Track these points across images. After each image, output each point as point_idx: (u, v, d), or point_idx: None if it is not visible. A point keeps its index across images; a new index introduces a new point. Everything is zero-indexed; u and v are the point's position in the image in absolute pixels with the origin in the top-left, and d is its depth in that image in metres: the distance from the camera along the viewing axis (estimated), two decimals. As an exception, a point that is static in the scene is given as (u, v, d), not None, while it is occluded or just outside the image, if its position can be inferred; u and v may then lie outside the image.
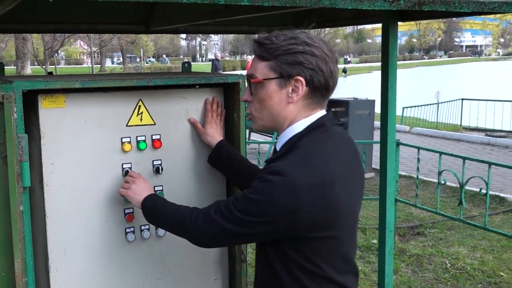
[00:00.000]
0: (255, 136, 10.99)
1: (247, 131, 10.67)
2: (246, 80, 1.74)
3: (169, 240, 2.26)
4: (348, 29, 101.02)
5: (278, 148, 1.76)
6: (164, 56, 67.40)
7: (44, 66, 32.29)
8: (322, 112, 1.74)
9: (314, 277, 1.67)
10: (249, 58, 33.88)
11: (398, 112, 13.38)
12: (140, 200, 1.95)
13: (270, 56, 1.65)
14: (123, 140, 2.13)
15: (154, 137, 2.20)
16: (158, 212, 1.91)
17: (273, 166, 1.63)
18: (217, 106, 2.30)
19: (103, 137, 2.10)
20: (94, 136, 2.08)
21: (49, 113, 1.98)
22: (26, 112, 1.90)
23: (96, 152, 2.09)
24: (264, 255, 1.76)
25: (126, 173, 2.13)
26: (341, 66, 67.24)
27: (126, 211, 2.17)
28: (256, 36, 1.73)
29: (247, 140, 9.48)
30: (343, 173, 1.67)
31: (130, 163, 2.15)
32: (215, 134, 2.25)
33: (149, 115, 2.20)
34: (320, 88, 1.66)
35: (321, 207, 1.60)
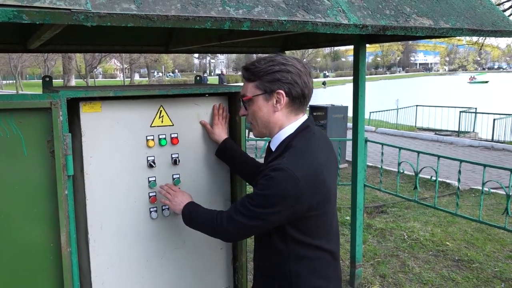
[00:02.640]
0: (253, 135, 10.98)
1: (247, 131, 10.67)
2: (240, 99, 1.78)
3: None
4: (326, 50, 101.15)
5: (272, 147, 1.76)
6: (177, 71, 68.28)
7: (85, 80, 32.22)
8: (305, 117, 1.76)
9: (307, 246, 1.69)
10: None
11: (366, 115, 13.38)
12: (180, 209, 1.96)
13: (255, 77, 1.69)
14: (148, 138, 2.11)
15: (172, 135, 2.18)
16: (191, 216, 1.91)
17: (275, 164, 1.62)
18: (223, 111, 2.29)
19: (131, 136, 2.08)
20: (125, 135, 2.06)
21: (88, 116, 1.96)
22: (70, 116, 1.88)
23: (126, 148, 2.07)
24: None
25: (150, 165, 2.11)
26: (322, 79, 67.37)
27: (150, 194, 2.15)
28: (245, 63, 1.75)
29: (246, 138, 9.49)
30: (326, 163, 1.70)
31: (154, 156, 2.13)
32: (221, 133, 2.24)
33: (169, 118, 2.18)
34: (298, 97, 1.69)
35: (317, 192, 1.62)
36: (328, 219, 1.74)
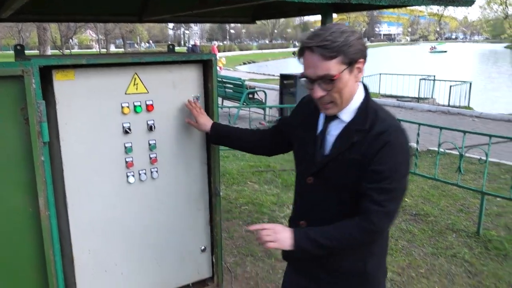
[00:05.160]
0: (226, 103, 10.88)
1: (220, 98, 10.57)
2: (316, 81, 1.46)
3: (162, 181, 2.23)
4: (296, 21, 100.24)
5: (343, 117, 1.53)
6: (151, 42, 67.08)
7: (61, 50, 30.99)
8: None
9: None
10: (214, 43, 33.12)
11: (333, 83, 13.41)
12: (290, 244, 1.50)
13: (337, 53, 1.41)
14: (123, 105, 2.06)
15: (147, 102, 2.13)
16: (320, 243, 1.48)
17: (382, 130, 1.44)
18: (195, 103, 2.20)
19: (106, 103, 2.02)
20: (99, 102, 1.99)
21: (62, 84, 1.88)
22: (44, 84, 1.81)
23: (101, 114, 2.01)
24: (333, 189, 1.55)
25: (125, 131, 2.06)
26: (292, 49, 66.97)
27: (127, 159, 2.11)
28: (303, 43, 1.46)
29: (220, 105, 9.41)
30: None
31: (129, 122, 2.08)
32: (206, 122, 2.10)
33: (143, 85, 2.12)
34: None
35: None
36: None
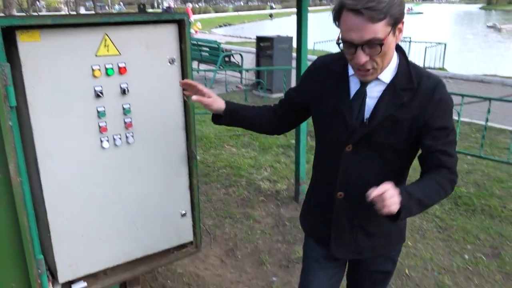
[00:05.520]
0: (201, 66, 10.68)
1: (196, 62, 10.37)
2: (360, 46, 1.33)
3: (138, 146, 2.20)
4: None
5: (383, 78, 1.44)
6: (122, 3, 65.82)
7: (27, 13, 29.60)
8: None
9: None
10: (189, 5, 32.15)
11: (310, 46, 13.33)
12: (397, 208, 1.26)
13: (384, 15, 1.30)
14: (93, 67, 1.98)
15: (120, 65, 2.05)
16: (424, 203, 1.35)
17: (435, 89, 1.41)
18: (190, 82, 1.78)
19: (75, 65, 1.93)
20: (68, 65, 1.91)
21: (27, 46, 1.78)
22: (7, 46, 1.71)
23: (70, 78, 1.93)
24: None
25: (97, 95, 2.00)
26: (268, 11, 65.61)
27: (100, 124, 2.05)
28: (345, 4, 1.31)
29: (196, 69, 9.25)
30: None
31: (101, 86, 2.01)
32: (220, 105, 1.74)
33: (115, 47, 2.03)
34: None
35: None
36: None
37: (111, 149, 2.12)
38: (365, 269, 1.75)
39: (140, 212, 2.29)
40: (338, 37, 1.36)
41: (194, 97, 1.73)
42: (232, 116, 1.75)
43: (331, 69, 1.55)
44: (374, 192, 1.23)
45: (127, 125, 2.13)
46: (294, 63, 5.27)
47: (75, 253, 2.15)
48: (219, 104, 1.73)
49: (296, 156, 3.96)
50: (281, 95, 7.53)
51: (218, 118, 1.78)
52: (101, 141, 2.08)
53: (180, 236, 2.48)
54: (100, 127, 2.06)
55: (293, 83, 7.24)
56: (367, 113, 1.46)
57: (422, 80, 1.42)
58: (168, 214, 2.40)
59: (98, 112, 2.03)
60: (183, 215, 2.44)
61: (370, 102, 1.46)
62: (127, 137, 2.15)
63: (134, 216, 2.28)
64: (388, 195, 1.22)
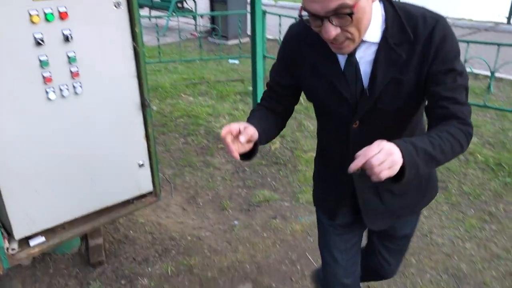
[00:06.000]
0: (153, 13, 10.18)
1: (147, 8, 9.87)
2: (326, 18, 1.09)
3: (88, 97, 2.11)
4: None
5: (371, 39, 1.20)
6: None
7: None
8: None
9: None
10: None
11: (265, -11, 12.95)
12: (401, 163, 1.03)
13: None
14: (31, 12, 1.83)
15: (60, 9, 1.91)
16: (433, 156, 1.10)
17: (434, 30, 1.15)
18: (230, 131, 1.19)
19: (9, 10, 1.78)
20: (2, 10, 1.76)
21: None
22: None
23: (6, 24, 1.78)
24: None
25: (38, 43, 1.86)
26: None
27: (44, 74, 1.94)
28: None
29: (148, 15, 8.82)
30: None
31: (41, 33, 1.88)
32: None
33: (54, -10, 1.88)
34: None
35: None
36: None
37: (59, 101, 2.03)
38: (388, 233, 1.65)
39: (94, 164, 2.24)
40: (301, 8, 1.13)
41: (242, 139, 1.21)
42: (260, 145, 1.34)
43: (309, 39, 1.28)
44: (356, 162, 1.00)
45: (74, 75, 2.03)
46: (249, 8, 5.13)
47: (29, 208, 2.10)
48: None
49: (253, 103, 3.95)
50: (236, 41, 7.36)
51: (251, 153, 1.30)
52: (47, 92, 1.98)
53: (139, 187, 2.46)
54: (44, 77, 1.95)
55: (249, 29, 7.07)
56: (365, 81, 1.24)
57: (417, 26, 1.17)
58: (125, 165, 2.36)
59: (40, 61, 1.92)
60: (141, 165, 2.41)
61: (367, 67, 1.23)
62: (74, 87, 2.06)
63: (89, 168, 2.23)
64: (375, 162, 0.98)
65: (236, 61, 6.99)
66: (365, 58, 1.22)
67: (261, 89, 3.89)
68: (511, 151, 3.91)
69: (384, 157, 0.99)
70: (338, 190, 1.51)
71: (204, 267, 2.67)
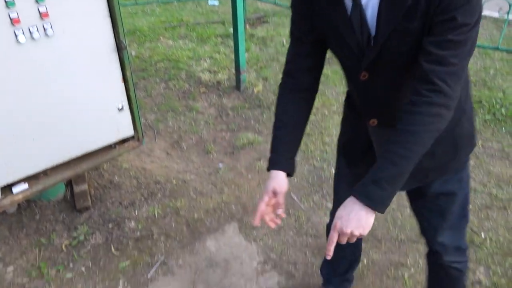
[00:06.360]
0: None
1: None
2: None
3: (60, 39, 2.01)
4: None
5: None
6: None
7: None
8: None
9: None
10: None
11: None
12: (372, 214, 1.09)
13: None
14: None
15: None
16: (403, 173, 1.08)
17: None
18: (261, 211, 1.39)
19: None
20: None
21: None
22: None
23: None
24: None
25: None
26: None
27: (11, 15, 1.83)
28: None
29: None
30: None
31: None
32: (284, 186, 1.37)
33: None
34: None
35: None
36: None
37: (29, 43, 1.93)
38: (425, 192, 1.45)
39: (72, 108, 2.19)
40: None
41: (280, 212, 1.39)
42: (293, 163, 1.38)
43: None
44: (329, 249, 1.12)
45: (43, 15, 1.92)
46: None
47: (9, 156, 2.06)
48: (285, 180, 1.35)
49: (235, 45, 3.84)
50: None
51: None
52: (16, 35, 1.88)
53: (119, 131, 2.43)
54: (11, 18, 1.84)
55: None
56: (372, 28, 1.13)
57: None
58: (104, 109, 2.31)
59: (5, 2, 1.80)
60: (120, 109, 2.36)
61: (373, 13, 1.11)
62: (45, 29, 1.95)
63: (66, 113, 2.18)
64: (342, 238, 1.09)
65: (216, 2, 6.73)
66: (371, 3, 1.10)
67: (242, 31, 3.77)
68: (492, 89, 3.94)
69: (345, 231, 1.09)
70: (359, 138, 1.47)
71: (190, 209, 2.71)
